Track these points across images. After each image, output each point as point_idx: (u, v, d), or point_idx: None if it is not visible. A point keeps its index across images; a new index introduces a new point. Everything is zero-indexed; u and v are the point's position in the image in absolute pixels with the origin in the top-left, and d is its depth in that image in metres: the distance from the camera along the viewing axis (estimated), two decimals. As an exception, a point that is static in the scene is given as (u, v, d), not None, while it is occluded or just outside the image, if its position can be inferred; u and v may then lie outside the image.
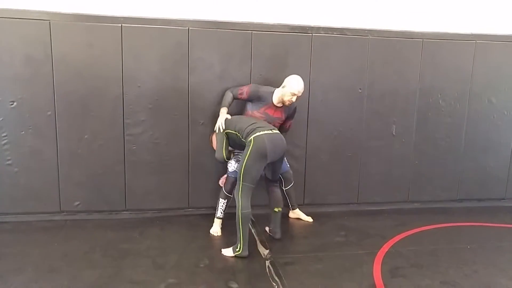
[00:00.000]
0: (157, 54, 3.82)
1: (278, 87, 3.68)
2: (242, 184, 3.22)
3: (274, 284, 2.89)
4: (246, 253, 3.25)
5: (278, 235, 3.60)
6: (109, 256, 3.23)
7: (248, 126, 3.34)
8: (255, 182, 3.24)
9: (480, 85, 4.38)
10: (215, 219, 3.74)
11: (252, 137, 3.22)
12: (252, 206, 3.96)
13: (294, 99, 3.59)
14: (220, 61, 3.92)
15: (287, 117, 3.76)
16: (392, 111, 4.28)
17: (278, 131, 3.39)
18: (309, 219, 4.04)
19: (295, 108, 3.76)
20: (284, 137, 3.43)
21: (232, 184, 3.69)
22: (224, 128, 3.50)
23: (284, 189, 3.95)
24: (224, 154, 3.51)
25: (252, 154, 3.18)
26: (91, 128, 3.83)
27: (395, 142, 4.35)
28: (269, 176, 3.61)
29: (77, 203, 3.91)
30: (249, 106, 3.70)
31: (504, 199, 4.66)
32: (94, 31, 3.69)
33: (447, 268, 3.16)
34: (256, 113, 3.65)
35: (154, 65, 3.83)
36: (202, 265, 3.13)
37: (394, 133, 4.33)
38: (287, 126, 3.85)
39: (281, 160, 3.46)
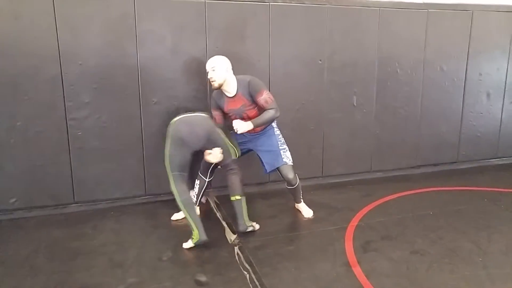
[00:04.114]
0: (99, 27, 3.10)
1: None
2: (172, 175, 2.74)
3: (245, 272, 2.44)
4: (204, 237, 2.68)
5: (240, 227, 2.91)
6: (56, 258, 2.59)
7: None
8: (185, 169, 2.78)
9: (433, 53, 4.06)
10: None
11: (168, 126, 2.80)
12: (217, 188, 3.47)
13: (209, 75, 2.91)
14: (172, 34, 3.26)
15: (250, 96, 2.92)
16: (352, 81, 3.87)
17: (203, 114, 2.89)
18: (308, 215, 3.23)
19: (248, 82, 2.91)
20: (273, 115, 2.86)
21: (203, 165, 3.13)
22: None
23: (287, 187, 3.19)
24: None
25: (170, 142, 2.74)
26: (24, 113, 3.05)
27: (356, 112, 3.95)
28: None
29: (13, 200, 3.15)
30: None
31: (456, 162, 4.47)
32: (20, 0, 2.89)
33: (415, 237, 2.88)
34: (231, 117, 3.01)
35: (96, 40, 3.11)
36: (165, 259, 2.59)
37: (355, 104, 3.93)
38: (264, 104, 2.88)
39: (211, 143, 2.82)
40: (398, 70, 3.98)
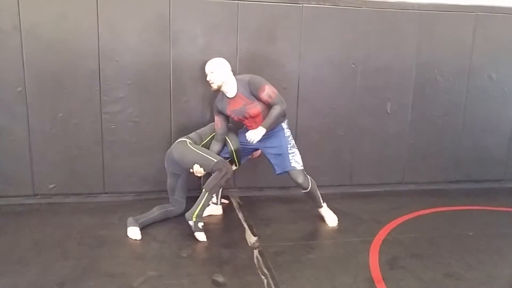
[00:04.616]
0: (136, 26, 3.24)
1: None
2: None
3: (263, 277, 2.43)
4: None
5: (187, 215, 2.89)
6: (85, 244, 2.74)
7: None
8: (172, 193, 3.17)
9: (480, 59, 3.83)
10: (211, 204, 3.27)
11: None
12: (239, 188, 3.53)
13: (208, 77, 2.96)
14: (204, 34, 3.33)
15: (252, 95, 2.91)
16: (387, 87, 3.74)
17: (179, 139, 3.06)
18: (333, 223, 3.15)
19: (248, 82, 2.91)
20: (280, 110, 2.87)
21: None
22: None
23: (302, 191, 3.14)
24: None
25: None
26: (65, 106, 3.26)
27: (389, 120, 3.81)
28: None
29: (52, 185, 3.37)
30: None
31: (503, 180, 4.16)
32: (66, 0, 3.09)
33: (449, 258, 2.69)
34: (234, 118, 3.05)
35: (132, 38, 3.25)
36: (185, 255, 2.65)
37: (389, 111, 3.80)
38: (268, 99, 2.89)
39: (190, 160, 2.92)
40: (438, 77, 3.79)
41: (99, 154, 3.37)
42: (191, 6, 3.27)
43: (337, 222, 3.16)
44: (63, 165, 3.35)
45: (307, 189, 3.07)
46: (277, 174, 3.09)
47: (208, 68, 2.97)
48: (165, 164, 3.12)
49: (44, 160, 3.31)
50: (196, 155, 2.94)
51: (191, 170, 2.97)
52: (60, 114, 3.26)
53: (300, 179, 3.02)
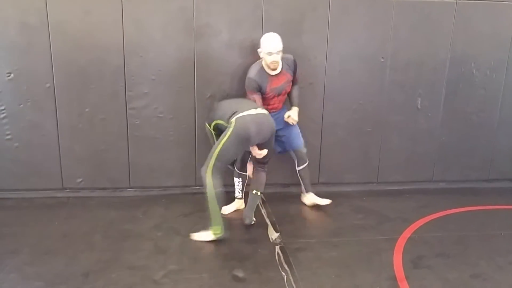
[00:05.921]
0: (160, 21, 3.38)
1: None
2: (215, 161, 2.83)
3: (284, 273, 2.53)
4: (227, 234, 2.89)
5: (247, 220, 3.14)
6: (109, 237, 2.93)
7: (230, 108, 2.94)
8: (229, 163, 3.05)
9: (521, 53, 3.76)
10: (236, 200, 3.44)
11: (234, 118, 2.85)
12: (266, 185, 3.55)
13: (275, 58, 3.03)
14: (228, 28, 3.44)
15: (293, 72, 3.27)
16: (417, 82, 3.73)
17: (264, 111, 2.99)
18: (326, 201, 3.45)
19: (294, 60, 3.24)
20: (297, 90, 3.29)
21: (242, 161, 3.34)
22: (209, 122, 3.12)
23: (297, 169, 3.47)
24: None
25: (233, 136, 2.81)
26: (91, 101, 3.46)
27: (420, 116, 3.81)
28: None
29: (79, 179, 3.60)
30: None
31: (541, 179, 4.11)
32: (92, -4, 3.28)
33: (478, 259, 2.71)
34: (270, 96, 3.22)
35: (157, 33, 3.39)
36: (206, 250, 2.79)
37: (419, 107, 3.79)
38: (297, 79, 3.34)
39: (269, 142, 3.00)
40: (474, 71, 3.75)
41: (125, 149, 3.57)
42: (215, 0, 3.38)
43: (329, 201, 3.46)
44: (90, 159, 3.56)
45: (307, 161, 3.44)
46: (279, 153, 3.43)
47: (276, 47, 3.02)
48: (250, 136, 2.85)
49: (72, 154, 3.54)
50: (274, 141, 3.13)
51: (256, 150, 3.02)
52: (86, 109, 3.46)
53: (305, 155, 3.43)
